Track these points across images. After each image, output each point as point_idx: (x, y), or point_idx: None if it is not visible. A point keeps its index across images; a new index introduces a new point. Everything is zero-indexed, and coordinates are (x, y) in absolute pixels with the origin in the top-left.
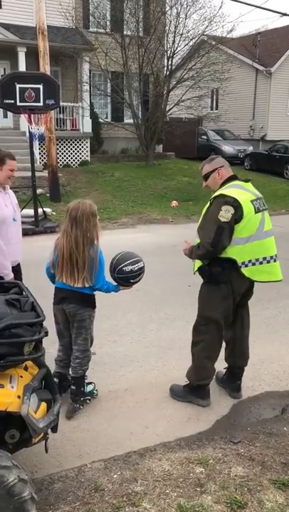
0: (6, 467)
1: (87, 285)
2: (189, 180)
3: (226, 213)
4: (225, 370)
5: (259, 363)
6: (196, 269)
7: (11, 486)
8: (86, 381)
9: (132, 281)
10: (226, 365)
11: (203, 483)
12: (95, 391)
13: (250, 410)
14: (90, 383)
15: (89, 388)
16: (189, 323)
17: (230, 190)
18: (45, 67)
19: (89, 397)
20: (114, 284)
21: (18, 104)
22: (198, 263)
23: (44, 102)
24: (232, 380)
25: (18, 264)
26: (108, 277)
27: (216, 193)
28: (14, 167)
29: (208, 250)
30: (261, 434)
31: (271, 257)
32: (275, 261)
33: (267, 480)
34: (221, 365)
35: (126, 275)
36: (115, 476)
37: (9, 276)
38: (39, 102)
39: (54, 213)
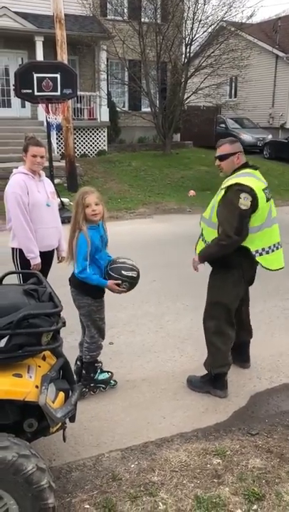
0: (25, 456)
1: (76, 271)
2: (207, 170)
3: (245, 201)
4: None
5: (278, 354)
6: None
7: (30, 475)
8: (100, 369)
9: (123, 272)
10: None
11: (221, 475)
12: (112, 381)
13: (269, 402)
14: (106, 372)
15: (102, 376)
16: None
17: (245, 178)
18: (63, 56)
19: (102, 386)
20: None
21: (36, 93)
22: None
23: (61, 91)
24: (241, 353)
25: (53, 250)
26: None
27: (231, 182)
28: (37, 153)
29: (235, 239)
30: (279, 426)
31: (278, 244)
32: (278, 248)
33: (285, 472)
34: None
35: (119, 265)
36: (132, 465)
37: (36, 260)
38: (56, 91)
39: (71, 203)
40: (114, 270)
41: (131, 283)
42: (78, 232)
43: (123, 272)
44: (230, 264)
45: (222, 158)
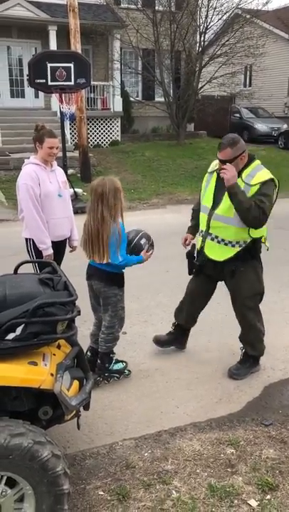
0: (40, 442)
1: (110, 262)
2: None
3: (276, 195)
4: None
5: None
6: (230, 255)
7: (45, 461)
8: (115, 359)
9: (143, 241)
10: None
11: (234, 464)
12: (126, 371)
13: (282, 393)
14: (121, 362)
15: (117, 366)
16: (220, 304)
17: (268, 172)
18: (76, 45)
19: (116, 375)
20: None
21: (50, 83)
22: (232, 250)
23: (75, 81)
24: (182, 338)
25: (65, 239)
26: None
27: (263, 177)
28: (54, 145)
29: (265, 220)
30: None
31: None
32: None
33: None
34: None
35: (137, 240)
36: (146, 454)
37: (47, 251)
38: (70, 81)
39: (85, 194)
40: (138, 246)
41: (152, 244)
42: (117, 222)
43: (143, 241)
44: (257, 254)
45: (225, 162)
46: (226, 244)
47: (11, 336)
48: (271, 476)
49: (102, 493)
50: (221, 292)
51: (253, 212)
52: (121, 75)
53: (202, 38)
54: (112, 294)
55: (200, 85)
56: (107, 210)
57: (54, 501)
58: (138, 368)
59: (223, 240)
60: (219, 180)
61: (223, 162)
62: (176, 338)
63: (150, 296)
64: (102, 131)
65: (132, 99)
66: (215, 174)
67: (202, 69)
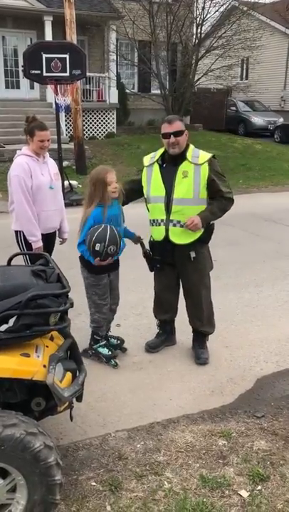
0: (32, 433)
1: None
2: (217, 153)
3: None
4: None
5: (285, 338)
6: (198, 235)
7: (37, 452)
8: (104, 345)
9: (96, 248)
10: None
11: (226, 456)
12: (113, 361)
13: (275, 385)
14: (109, 350)
15: (102, 350)
16: (215, 296)
17: (205, 152)
18: (72, 36)
19: (104, 359)
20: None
21: (45, 74)
22: (199, 230)
23: (70, 72)
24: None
25: (55, 231)
26: None
27: (206, 156)
28: (45, 138)
29: (232, 193)
30: (285, 410)
31: None
32: None
33: None
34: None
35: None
36: (138, 445)
37: (37, 244)
38: (65, 72)
39: (80, 186)
40: (92, 251)
41: (110, 253)
42: (93, 206)
43: (97, 247)
44: (210, 234)
45: (179, 134)
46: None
47: (3, 327)
48: (262, 467)
49: (94, 483)
50: (214, 286)
51: (227, 203)
52: (117, 66)
53: (199, 30)
54: (83, 276)
55: (196, 78)
56: (86, 196)
57: (46, 491)
58: (131, 360)
59: (185, 223)
60: (163, 169)
61: (176, 134)
62: (166, 337)
63: (144, 289)
64: (97, 123)
65: (127, 91)
66: (156, 165)
67: (198, 61)
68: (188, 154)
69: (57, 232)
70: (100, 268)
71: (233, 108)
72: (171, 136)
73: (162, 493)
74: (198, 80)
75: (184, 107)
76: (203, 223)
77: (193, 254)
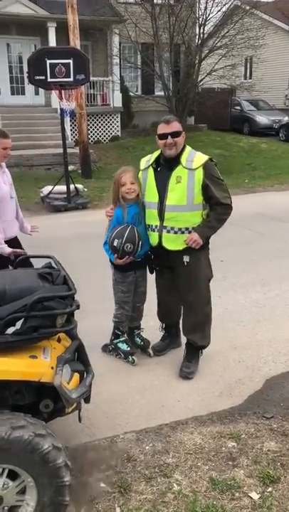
0: (41, 435)
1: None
2: (222, 153)
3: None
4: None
5: None
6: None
7: (46, 453)
8: (124, 341)
9: (115, 245)
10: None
11: (235, 458)
12: (130, 358)
13: (284, 386)
14: (128, 346)
15: (121, 345)
16: (221, 298)
17: (203, 154)
18: (75, 41)
19: (121, 354)
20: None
21: (49, 80)
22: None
23: (74, 77)
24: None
25: (16, 237)
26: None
27: (202, 159)
28: (7, 145)
29: (230, 197)
30: None
31: None
32: None
33: None
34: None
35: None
36: (147, 447)
37: (5, 250)
38: (69, 77)
39: (86, 189)
40: (111, 245)
41: (128, 251)
42: (117, 208)
43: (115, 243)
44: (207, 240)
45: (177, 134)
46: (182, 232)
47: (11, 330)
48: (272, 468)
49: (103, 485)
50: (221, 286)
51: (224, 211)
52: (120, 69)
53: (201, 31)
54: (112, 273)
55: (200, 78)
56: (110, 195)
57: (55, 493)
58: (139, 362)
59: (180, 229)
60: (157, 174)
61: (174, 135)
62: (171, 340)
63: (154, 291)
64: (102, 126)
65: (131, 94)
66: (150, 169)
67: (202, 61)
68: (183, 158)
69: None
70: (125, 266)
71: (238, 107)
72: (169, 136)
73: (172, 496)
74: (201, 80)
75: (188, 108)
76: (202, 239)
77: (186, 259)
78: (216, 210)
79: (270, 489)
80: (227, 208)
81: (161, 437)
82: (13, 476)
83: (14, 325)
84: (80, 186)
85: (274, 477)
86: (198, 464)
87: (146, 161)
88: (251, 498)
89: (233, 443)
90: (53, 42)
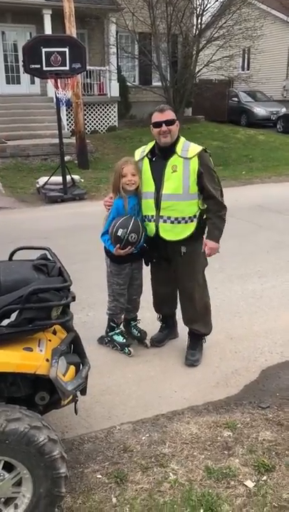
0: (37, 427)
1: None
2: (219, 144)
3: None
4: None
5: None
6: (191, 231)
7: (42, 445)
8: (119, 333)
9: (118, 235)
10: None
11: (231, 447)
12: (127, 349)
13: (280, 376)
14: (124, 337)
15: (116, 337)
16: (218, 289)
17: (196, 145)
18: (71, 29)
19: (118, 346)
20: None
21: (45, 68)
22: (191, 226)
23: (70, 66)
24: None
25: None
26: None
27: (197, 148)
28: None
29: (222, 190)
30: None
31: None
32: None
33: None
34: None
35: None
36: (144, 438)
37: None
38: (65, 66)
39: (82, 180)
40: (114, 236)
41: (131, 241)
42: (116, 198)
43: (119, 233)
44: (203, 230)
45: (171, 123)
46: (179, 222)
47: (5, 322)
48: (267, 457)
49: (100, 476)
50: (218, 278)
51: (222, 209)
52: (117, 59)
53: (199, 21)
54: (106, 264)
55: (197, 69)
56: (111, 185)
57: (52, 485)
58: (136, 353)
59: (176, 219)
60: (152, 164)
61: (169, 123)
62: (169, 331)
63: (148, 283)
64: (99, 117)
65: (128, 84)
66: (145, 159)
67: (199, 52)
68: (178, 148)
69: None
70: (122, 258)
71: (235, 99)
72: (163, 124)
73: (168, 485)
74: (199, 71)
75: (186, 99)
76: (217, 241)
77: (183, 250)
78: (213, 208)
79: (264, 478)
80: (222, 207)
81: (157, 428)
82: (8, 468)
83: (9, 317)
84: (76, 177)
85: (269, 466)
86: (194, 453)
87: (141, 151)
88: (246, 486)
89: (228, 432)
90: (48, 30)
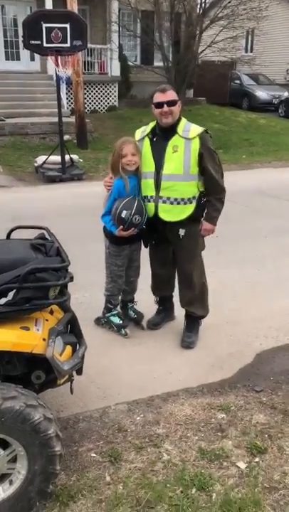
0: (32, 406)
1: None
2: (220, 127)
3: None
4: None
5: (286, 314)
6: (190, 212)
7: (37, 424)
8: (116, 314)
9: (123, 216)
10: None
11: (224, 429)
12: (123, 331)
13: (274, 360)
14: (121, 319)
15: (113, 318)
16: (214, 273)
17: (198, 126)
18: (73, 5)
19: (114, 328)
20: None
21: (45, 45)
22: (190, 207)
23: (71, 43)
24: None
25: None
26: None
27: (198, 129)
28: None
29: (222, 173)
30: (284, 384)
31: None
32: None
33: (288, 428)
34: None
35: (118, 212)
36: (138, 418)
37: None
38: (66, 42)
39: (81, 160)
40: (117, 217)
41: (135, 223)
42: (116, 179)
43: (123, 214)
44: (202, 211)
45: (172, 103)
46: (178, 203)
47: (2, 300)
48: (260, 440)
49: (94, 455)
50: (216, 262)
51: (221, 191)
52: (119, 37)
53: (203, 0)
54: (105, 246)
55: (200, 50)
56: (109, 165)
57: (46, 462)
58: (132, 335)
59: (176, 200)
60: (153, 144)
61: (169, 104)
62: (166, 313)
63: (145, 265)
64: (99, 96)
65: (130, 63)
66: (146, 139)
67: (203, 32)
68: (179, 128)
69: None
70: (122, 239)
71: (237, 81)
72: (165, 105)
73: (161, 465)
74: (202, 51)
75: (188, 80)
76: (214, 224)
77: (182, 232)
78: (212, 190)
79: (257, 459)
80: (222, 190)
81: (152, 408)
82: (4, 445)
83: (6, 296)
84: (75, 157)
85: (261, 448)
86: (188, 434)
87: (142, 131)
88: (238, 467)
89: (222, 414)
90: (49, 5)
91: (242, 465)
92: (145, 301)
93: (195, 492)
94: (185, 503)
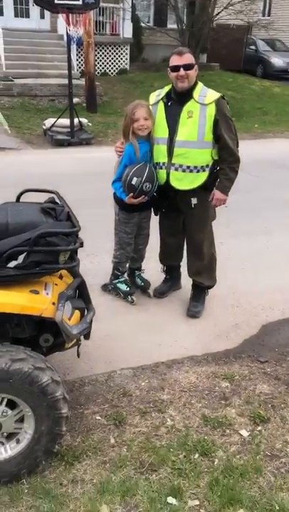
0: (40, 368)
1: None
2: (233, 95)
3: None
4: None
5: None
6: (202, 181)
7: (45, 386)
8: (124, 281)
9: (133, 183)
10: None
11: (228, 397)
12: (130, 298)
13: (280, 332)
14: (127, 286)
15: (120, 285)
16: (223, 244)
17: (214, 91)
18: None
19: (121, 294)
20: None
21: (56, 1)
22: (203, 176)
23: (83, 0)
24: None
25: None
26: None
27: (215, 95)
28: None
29: (237, 141)
30: None
31: None
32: None
33: None
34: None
35: (127, 179)
36: (143, 383)
37: None
38: (78, 0)
39: (90, 124)
40: (127, 184)
41: (145, 191)
42: (127, 143)
43: (134, 181)
44: (214, 181)
45: (189, 67)
46: (191, 171)
47: (12, 263)
48: (263, 409)
49: (99, 417)
50: (225, 233)
51: (236, 161)
52: None
53: None
54: (114, 212)
55: (216, 12)
56: (122, 130)
57: (53, 423)
58: (138, 302)
59: (188, 167)
60: (168, 108)
61: (187, 67)
62: (173, 282)
63: (153, 233)
64: (110, 58)
65: (142, 24)
66: (161, 103)
67: None
68: (195, 93)
69: None
70: (132, 206)
71: (253, 47)
72: (181, 69)
73: (165, 430)
74: (217, 14)
75: (202, 44)
76: (226, 194)
77: (194, 201)
78: (226, 159)
79: (259, 428)
80: (236, 159)
81: (156, 374)
82: (12, 405)
83: (16, 259)
84: (84, 120)
85: (264, 417)
86: (192, 401)
87: (156, 95)
88: (241, 435)
89: (226, 383)
90: None
91: (244, 433)
92: (152, 269)
93: (198, 457)
94: (187, 467)
